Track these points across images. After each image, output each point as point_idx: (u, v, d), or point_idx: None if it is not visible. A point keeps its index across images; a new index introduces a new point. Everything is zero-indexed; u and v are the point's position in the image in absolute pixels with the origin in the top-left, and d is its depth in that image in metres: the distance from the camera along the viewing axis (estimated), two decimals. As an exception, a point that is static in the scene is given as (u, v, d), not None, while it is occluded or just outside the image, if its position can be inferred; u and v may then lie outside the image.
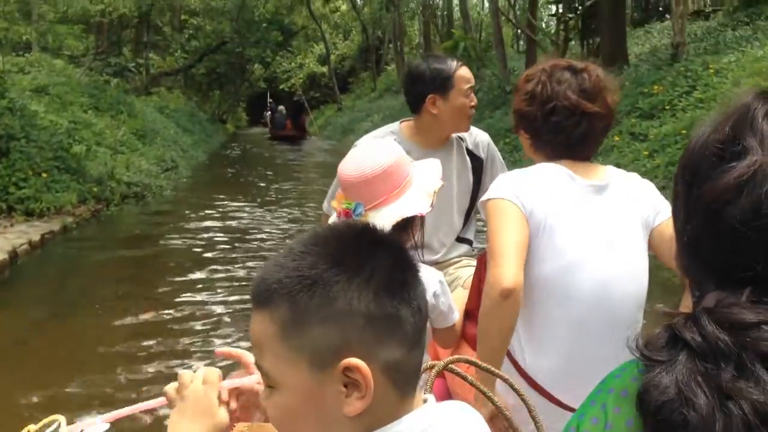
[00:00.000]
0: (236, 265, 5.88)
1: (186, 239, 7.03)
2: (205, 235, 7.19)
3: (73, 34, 12.93)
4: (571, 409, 1.37)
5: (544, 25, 20.00)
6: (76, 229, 7.12)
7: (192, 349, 4.05)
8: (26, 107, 8.43)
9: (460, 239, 2.41)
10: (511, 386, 1.14)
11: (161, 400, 0.94)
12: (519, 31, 23.08)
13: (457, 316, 1.65)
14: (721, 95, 7.22)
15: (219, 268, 5.80)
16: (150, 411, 1.10)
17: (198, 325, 4.41)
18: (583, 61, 1.65)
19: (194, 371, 0.93)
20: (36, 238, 6.20)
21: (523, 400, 1.12)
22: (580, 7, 14.15)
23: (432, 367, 1.08)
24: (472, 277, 1.88)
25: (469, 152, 2.37)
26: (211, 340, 4.19)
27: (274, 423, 0.78)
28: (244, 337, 4.17)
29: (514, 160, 8.22)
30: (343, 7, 35.44)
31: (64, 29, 12.04)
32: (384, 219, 1.46)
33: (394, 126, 2.39)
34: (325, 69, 34.10)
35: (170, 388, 0.92)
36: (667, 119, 7.80)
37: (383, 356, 0.71)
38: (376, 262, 0.73)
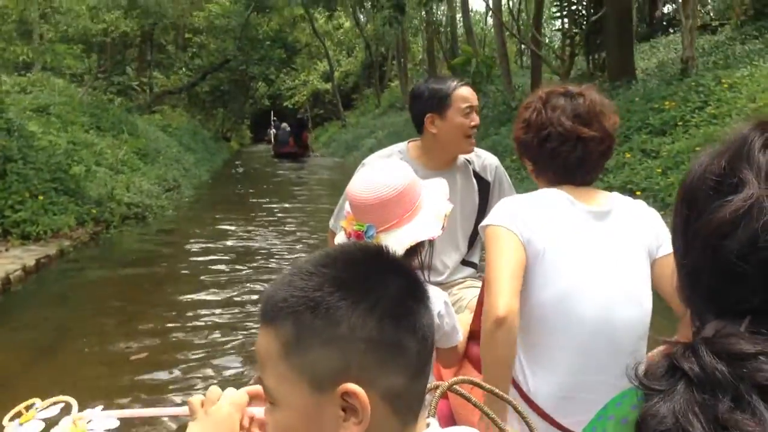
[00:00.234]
0: (239, 289, 5.72)
1: (187, 262, 6.85)
2: (207, 258, 7.01)
3: (72, 53, 12.84)
4: None
5: (547, 40, 19.91)
6: (73, 252, 6.93)
7: (190, 376, 3.89)
8: (24, 128, 8.30)
9: (465, 262, 2.42)
10: (515, 408, 1.14)
11: (184, 409, 0.92)
12: (522, 46, 23.05)
13: (460, 336, 1.65)
14: (737, 111, 7.02)
15: (219, 291, 5.63)
16: (169, 417, 1.10)
17: (200, 354, 4.25)
18: (580, 86, 1.67)
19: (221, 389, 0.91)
20: (31, 263, 6.01)
21: (526, 423, 1.12)
22: (585, 22, 14.03)
23: (436, 387, 1.09)
24: (476, 298, 1.89)
25: (476, 175, 2.37)
26: (214, 364, 4.08)
27: None
28: (246, 361, 4.07)
29: (522, 177, 8.02)
30: (347, 24, 35.57)
31: (63, 48, 11.96)
32: (397, 242, 1.45)
33: (402, 145, 2.40)
34: (328, 86, 34.12)
35: (196, 399, 0.90)
36: (679, 136, 7.59)
37: (384, 383, 0.71)
38: (384, 289, 0.72)
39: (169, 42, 25.88)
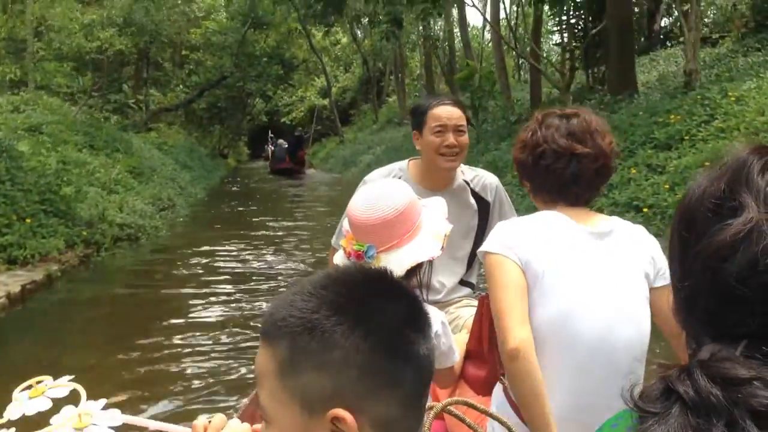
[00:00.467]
0: (236, 310, 5.54)
1: (181, 285, 6.60)
2: (202, 279, 6.77)
3: (63, 71, 12.66)
4: None
5: (545, 54, 19.80)
6: (62, 277, 6.67)
7: (185, 408, 3.72)
8: (13, 148, 8.08)
9: (463, 282, 2.41)
10: (509, 429, 1.12)
11: (187, 430, 0.95)
12: (520, 60, 22.97)
13: (457, 357, 1.64)
14: (745, 124, 6.84)
15: (215, 314, 5.43)
16: None
17: (195, 383, 4.08)
18: (576, 108, 1.71)
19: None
20: (16, 289, 5.77)
21: None
22: (584, 36, 13.91)
23: (430, 408, 1.07)
24: (473, 317, 1.89)
25: (476, 195, 2.36)
26: (210, 395, 3.92)
27: None
28: (240, 390, 3.88)
29: (523, 194, 7.81)
30: (344, 40, 35.61)
31: (53, 66, 11.78)
32: (397, 263, 1.44)
33: (403, 163, 2.39)
34: (326, 102, 34.06)
35: (200, 422, 0.91)
36: (686, 150, 7.39)
37: (375, 411, 0.70)
38: (382, 316, 0.72)
39: (165, 59, 25.82)
